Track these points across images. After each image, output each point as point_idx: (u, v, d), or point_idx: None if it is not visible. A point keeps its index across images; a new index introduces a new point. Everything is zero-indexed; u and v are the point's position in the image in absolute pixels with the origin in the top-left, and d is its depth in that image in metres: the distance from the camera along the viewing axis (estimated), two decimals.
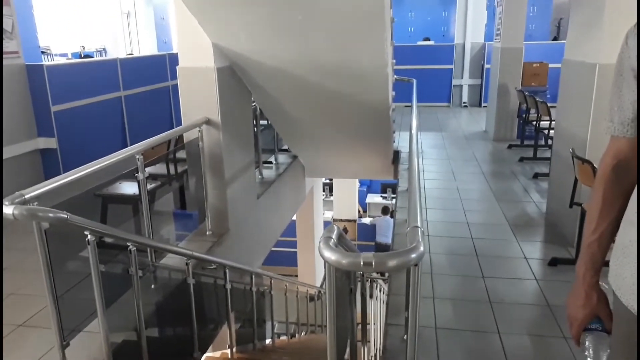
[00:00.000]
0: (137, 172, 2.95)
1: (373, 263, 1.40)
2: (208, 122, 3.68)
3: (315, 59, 3.56)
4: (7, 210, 1.86)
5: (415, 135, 3.35)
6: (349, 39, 3.24)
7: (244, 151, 4.22)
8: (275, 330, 5.62)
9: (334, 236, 1.59)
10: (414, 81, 6.73)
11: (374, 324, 3.84)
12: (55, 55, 9.89)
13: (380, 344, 3.22)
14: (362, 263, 1.41)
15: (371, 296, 3.58)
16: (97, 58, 9.80)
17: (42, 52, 9.10)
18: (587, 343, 1.15)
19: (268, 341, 5.13)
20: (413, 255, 1.46)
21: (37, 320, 2.71)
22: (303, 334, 6.77)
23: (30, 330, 2.64)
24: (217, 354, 4.03)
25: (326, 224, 10.03)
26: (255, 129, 5.06)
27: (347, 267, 1.46)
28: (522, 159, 6.52)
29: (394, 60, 4.72)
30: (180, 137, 3.81)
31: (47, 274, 2.15)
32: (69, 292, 2.41)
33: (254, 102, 4.63)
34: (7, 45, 4.73)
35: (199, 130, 3.64)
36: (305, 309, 6.74)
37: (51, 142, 5.09)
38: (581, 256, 1.22)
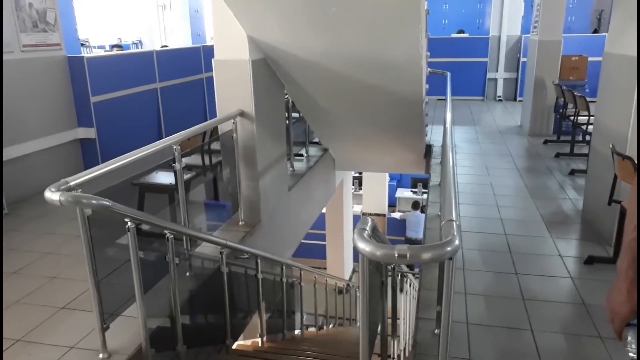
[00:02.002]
0: (174, 162, 3.02)
1: (408, 255, 1.41)
2: (242, 114, 3.72)
3: (349, 51, 3.55)
4: (54, 196, 1.94)
5: (450, 129, 3.32)
6: (383, 31, 3.22)
7: (276, 143, 4.26)
8: (304, 322, 5.67)
9: (368, 228, 1.61)
10: (448, 74, 6.63)
11: (404, 318, 3.84)
12: (94, 47, 10.15)
13: (410, 337, 3.22)
14: (396, 255, 1.42)
15: (401, 290, 3.58)
16: (134, 50, 10.01)
17: (82, 45, 9.36)
18: (629, 338, 1.15)
19: (297, 332, 5.19)
20: (448, 249, 1.46)
21: (78, 303, 2.81)
22: (331, 326, 6.82)
23: (71, 312, 2.74)
24: (248, 342, 4.10)
25: (355, 217, 10.03)
26: (287, 121, 5.09)
27: (382, 258, 1.47)
28: (558, 155, 6.37)
29: (428, 53, 4.66)
30: (215, 128, 3.88)
31: (89, 259, 2.24)
32: (107, 277, 2.49)
33: (286, 94, 4.66)
34: (50, 38, 4.89)
35: (233, 122, 3.69)
36: (333, 302, 6.78)
37: (90, 132, 5.25)
38: (622, 253, 1.21)
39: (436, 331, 2.61)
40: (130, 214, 2.19)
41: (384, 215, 10.88)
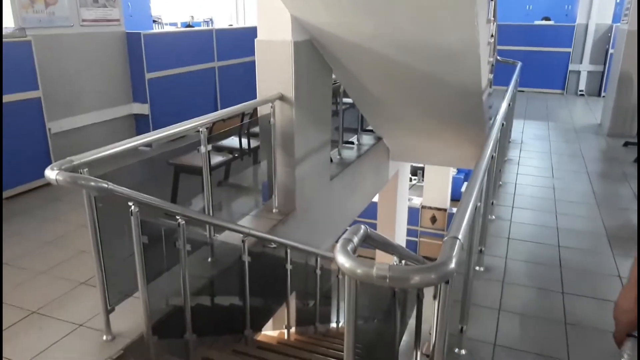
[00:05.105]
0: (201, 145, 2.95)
1: (387, 277, 1.21)
2: (281, 97, 3.59)
3: (398, 35, 3.30)
4: (52, 175, 1.90)
5: (499, 124, 3.00)
6: (433, 15, 2.95)
7: (318, 130, 4.08)
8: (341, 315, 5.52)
9: (355, 239, 1.41)
10: (519, 64, 6.13)
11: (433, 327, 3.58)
12: (166, 24, 10.41)
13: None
14: (375, 275, 1.22)
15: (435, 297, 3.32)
16: (193, 28, 10.17)
17: (154, 21, 9.60)
18: (627, 349, 1.12)
19: (333, 325, 5.05)
20: (440, 273, 1.25)
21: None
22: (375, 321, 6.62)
23: (89, 289, 2.76)
24: (275, 332, 4.02)
25: (413, 210, 9.70)
26: (337, 107, 4.90)
27: (362, 278, 1.28)
28: (638, 160, 5.71)
29: (492, 40, 4.27)
30: (255, 111, 3.78)
31: (95, 241, 2.21)
32: (124, 258, 2.47)
33: (336, 79, 4.46)
34: (110, 13, 4.98)
35: (271, 106, 3.56)
36: None
37: (144, 108, 5.34)
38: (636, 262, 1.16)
39: (456, 350, 2.37)
40: (134, 196, 2.12)
41: (444, 209, 10.43)
